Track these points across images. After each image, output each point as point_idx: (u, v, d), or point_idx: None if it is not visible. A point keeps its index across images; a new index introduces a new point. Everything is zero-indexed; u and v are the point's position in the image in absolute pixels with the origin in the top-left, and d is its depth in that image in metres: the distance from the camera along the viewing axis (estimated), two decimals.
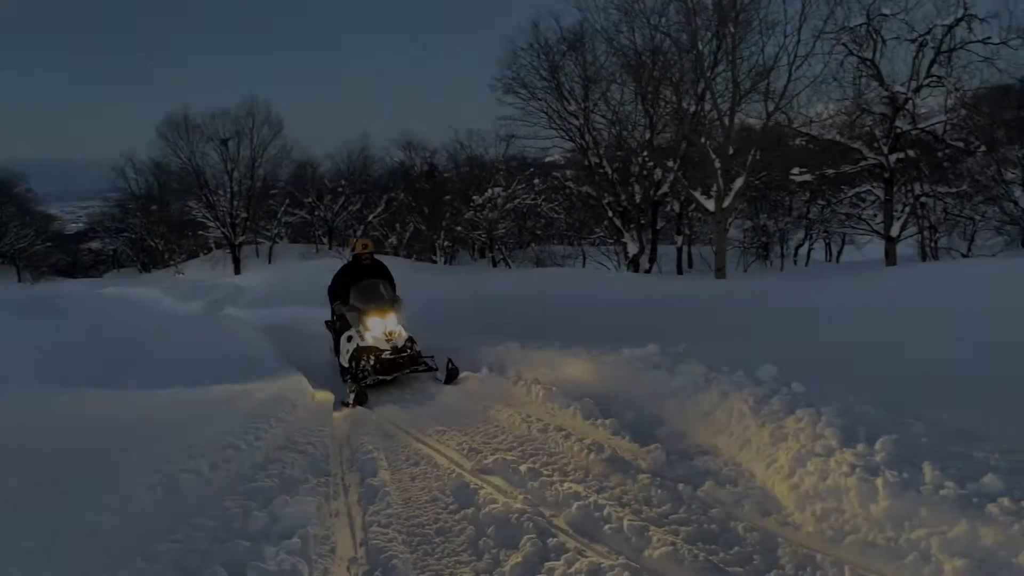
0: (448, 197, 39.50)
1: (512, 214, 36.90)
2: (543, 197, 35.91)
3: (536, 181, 35.47)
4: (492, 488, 5.09)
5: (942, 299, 8.99)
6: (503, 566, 3.93)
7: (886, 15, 21.02)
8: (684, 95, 22.23)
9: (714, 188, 20.15)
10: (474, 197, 35.98)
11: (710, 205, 20.41)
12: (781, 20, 20.13)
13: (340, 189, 45.20)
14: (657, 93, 24.23)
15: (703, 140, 20.65)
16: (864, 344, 7.53)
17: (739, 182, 19.87)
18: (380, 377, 9.09)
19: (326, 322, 11.15)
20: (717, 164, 19.65)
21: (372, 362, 9.07)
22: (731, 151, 20.03)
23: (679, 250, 30.90)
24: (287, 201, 46.57)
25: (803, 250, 36.99)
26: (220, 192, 46.85)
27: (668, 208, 28.59)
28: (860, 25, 21.03)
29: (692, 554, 3.82)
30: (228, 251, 47.41)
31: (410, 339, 9.41)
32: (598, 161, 27.08)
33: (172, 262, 50.06)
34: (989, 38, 20.55)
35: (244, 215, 46.83)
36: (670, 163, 24.24)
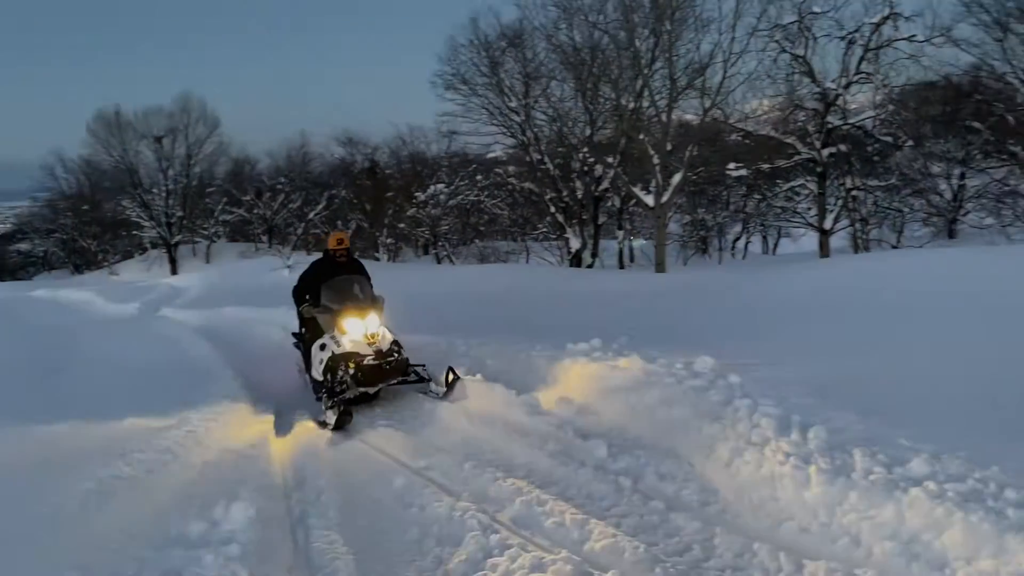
0: (390, 194, 39.21)
1: (455, 210, 36.83)
2: (486, 193, 35.88)
3: (479, 177, 35.40)
4: None
5: (872, 290, 9.26)
6: None
7: (816, 13, 21.53)
8: (623, 92, 22.42)
9: (653, 183, 20.40)
10: (417, 194, 35.79)
11: (649, 200, 20.66)
12: (716, 18, 20.49)
13: (279, 186, 44.48)
14: (596, 90, 24.41)
15: (641, 137, 20.88)
16: (797, 334, 7.72)
17: (677, 177, 20.16)
18: (363, 389, 7.48)
19: (293, 334, 9.29)
20: (656, 160, 19.89)
21: (352, 371, 7.44)
22: (669, 147, 20.30)
23: (620, 245, 31.24)
24: (224, 199, 45.63)
25: (741, 243, 37.78)
26: (155, 191, 45.71)
27: (609, 204, 28.84)
28: (792, 23, 21.50)
29: (633, 546, 3.89)
30: (164, 251, 46.33)
31: (395, 343, 7.83)
32: (540, 157, 27.16)
33: (106, 263, 48.69)
34: (914, 36, 21.22)
35: (180, 214, 45.80)
36: (610, 159, 24.44)
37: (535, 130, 27.52)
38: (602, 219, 28.48)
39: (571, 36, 23.92)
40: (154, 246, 48.15)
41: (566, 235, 27.13)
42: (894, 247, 26.91)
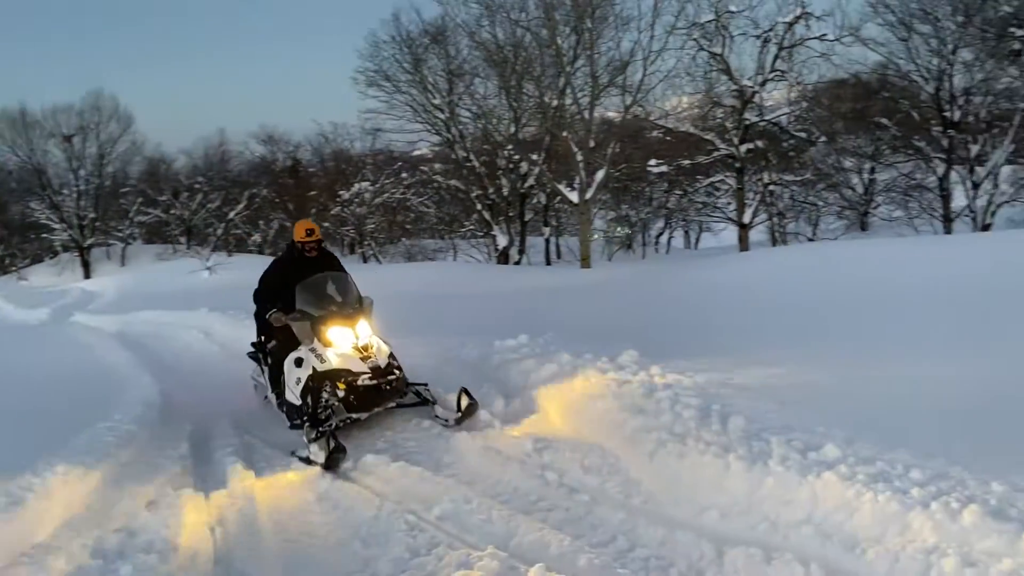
0: (313, 192, 38.63)
1: (381, 208, 36.49)
2: (412, 191, 35.68)
3: (404, 175, 35.19)
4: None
5: (788, 282, 9.56)
6: None
7: (733, 12, 22.10)
8: (546, 89, 22.61)
9: (577, 180, 20.62)
10: (341, 192, 35.34)
11: (574, 197, 20.87)
12: (636, 16, 20.89)
13: (197, 186, 43.35)
14: (520, 87, 24.53)
15: (565, 134, 21.08)
16: (716, 326, 7.92)
17: (600, 174, 20.42)
18: (353, 415, 6.15)
19: (252, 344, 7.61)
20: (579, 157, 20.11)
21: (343, 393, 6.03)
22: (592, 144, 20.54)
23: (547, 241, 31.49)
24: (140, 200, 44.25)
25: (664, 238, 38.55)
26: (65, 192, 44.01)
27: (535, 200, 29.05)
28: (709, 21, 22.00)
29: (558, 539, 3.93)
30: (76, 254, 44.61)
31: (392, 356, 6.41)
32: (465, 155, 27.18)
33: (13, 268, 46.59)
34: (825, 35, 21.99)
35: (93, 215, 44.21)
36: (535, 156, 24.62)
37: (460, 127, 27.54)
38: (528, 216, 28.68)
39: (493, 33, 23.99)
40: (66, 249, 46.32)
41: (493, 232, 27.20)
42: (810, 240, 27.86)
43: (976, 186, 21.52)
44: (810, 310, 8.02)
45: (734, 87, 22.70)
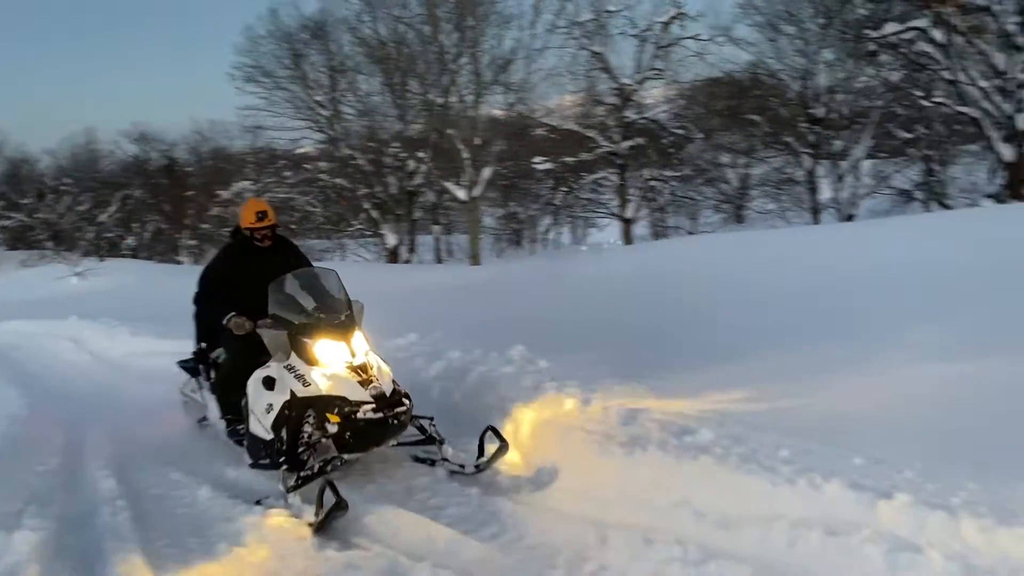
0: (191, 192, 37.21)
1: None
2: (297, 190, 34.84)
3: (288, 174, 34.33)
4: None
5: (666, 274, 9.91)
6: None
7: (611, 11, 22.69)
8: (430, 87, 22.57)
9: (464, 178, 20.70)
10: (220, 192, 34.17)
11: (461, 194, 20.96)
12: (517, 14, 21.18)
13: (64, 187, 41.01)
14: (404, 84, 24.37)
15: (450, 131, 21.11)
16: (598, 318, 8.13)
17: (487, 171, 20.58)
18: (345, 456, 4.81)
19: (194, 354, 6.16)
20: (465, 154, 20.19)
21: (335, 428, 4.63)
22: (478, 141, 20.66)
23: (437, 240, 31.40)
24: (0, 203, 41.54)
25: (551, 234, 39.12)
26: None
27: (424, 199, 28.90)
28: (589, 20, 22.51)
29: (447, 534, 3.96)
30: None
31: (394, 381, 4.99)
32: (350, 153, 26.74)
33: None
34: (699, 35, 22.90)
35: None
36: (422, 154, 24.53)
37: (344, 125, 27.05)
38: (418, 214, 28.50)
39: (375, 29, 23.71)
40: None
41: (382, 231, 26.89)
42: (690, 233, 28.90)
43: (840, 179, 22.82)
44: (687, 300, 8.33)
45: (614, 85, 23.27)
